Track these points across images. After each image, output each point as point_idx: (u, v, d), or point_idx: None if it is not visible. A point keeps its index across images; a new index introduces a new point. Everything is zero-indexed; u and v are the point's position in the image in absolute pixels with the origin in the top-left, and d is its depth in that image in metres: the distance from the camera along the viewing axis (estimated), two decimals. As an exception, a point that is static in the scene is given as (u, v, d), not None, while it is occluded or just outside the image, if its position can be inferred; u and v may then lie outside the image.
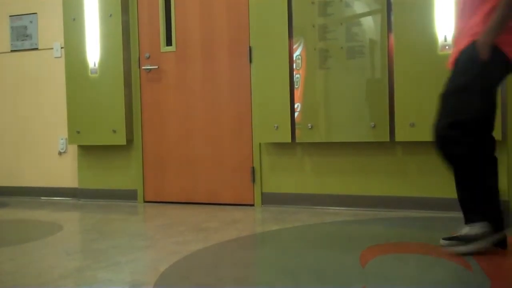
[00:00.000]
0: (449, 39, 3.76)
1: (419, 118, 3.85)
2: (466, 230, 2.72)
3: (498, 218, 2.73)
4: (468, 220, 2.74)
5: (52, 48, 5.29)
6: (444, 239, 2.89)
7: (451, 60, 2.84)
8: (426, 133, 3.82)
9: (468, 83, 2.69)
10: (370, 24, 4.04)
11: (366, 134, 4.02)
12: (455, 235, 2.83)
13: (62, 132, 5.23)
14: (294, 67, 4.25)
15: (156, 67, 4.83)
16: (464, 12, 2.79)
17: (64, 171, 5.30)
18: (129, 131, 4.91)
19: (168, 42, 4.81)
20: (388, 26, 3.96)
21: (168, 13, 4.80)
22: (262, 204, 4.50)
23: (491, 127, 2.82)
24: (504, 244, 2.76)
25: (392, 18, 3.94)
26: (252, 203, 4.53)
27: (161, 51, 4.82)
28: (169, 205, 4.73)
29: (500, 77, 2.78)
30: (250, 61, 4.50)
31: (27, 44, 5.41)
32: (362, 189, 4.16)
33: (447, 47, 3.77)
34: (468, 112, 2.68)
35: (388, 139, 3.99)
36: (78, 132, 5.02)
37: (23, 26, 5.41)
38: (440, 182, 3.94)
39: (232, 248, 3.14)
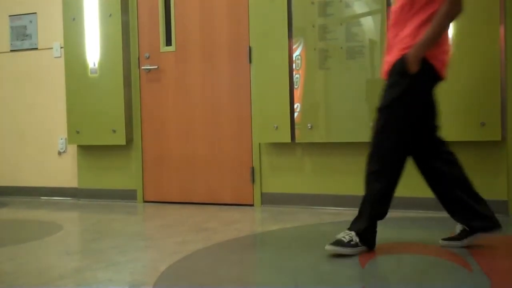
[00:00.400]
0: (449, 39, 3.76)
1: (418, 118, 3.85)
2: (343, 235, 2.83)
3: (372, 238, 2.86)
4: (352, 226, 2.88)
5: (51, 48, 5.29)
6: (444, 239, 2.91)
7: (384, 70, 2.90)
8: (425, 133, 3.83)
9: (399, 96, 2.79)
10: (370, 24, 4.04)
11: (366, 134, 4.00)
12: (452, 235, 2.89)
13: (61, 132, 5.23)
14: (294, 67, 4.25)
15: (156, 67, 4.83)
16: (396, 23, 2.84)
17: (63, 171, 5.30)
18: (128, 131, 4.91)
19: (168, 42, 4.81)
20: (388, 26, 3.96)
21: (168, 13, 4.80)
22: (261, 204, 4.50)
23: (433, 129, 2.98)
24: (498, 225, 2.85)
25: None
26: (251, 203, 4.53)
27: (161, 51, 4.82)
28: (168, 205, 4.72)
29: (429, 89, 2.90)
30: (250, 61, 4.50)
31: (26, 44, 5.41)
32: (362, 189, 4.15)
33: (446, 47, 3.77)
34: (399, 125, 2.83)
35: (387, 139, 3.99)
36: (78, 132, 5.02)
37: (23, 26, 5.41)
38: (440, 182, 3.94)
39: (232, 248, 3.14)
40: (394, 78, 2.81)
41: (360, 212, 2.90)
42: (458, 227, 2.92)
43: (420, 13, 2.76)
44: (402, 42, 2.78)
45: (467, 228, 2.88)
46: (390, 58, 2.84)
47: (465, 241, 2.87)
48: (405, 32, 2.78)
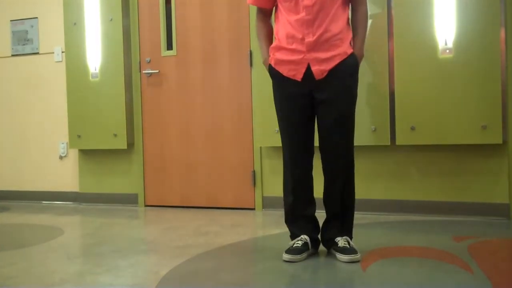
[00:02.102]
0: (450, 42, 3.77)
1: (419, 121, 3.85)
2: (343, 242, 2.83)
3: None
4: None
5: (53, 53, 5.30)
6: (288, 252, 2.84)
7: (323, 68, 2.71)
8: (426, 137, 3.84)
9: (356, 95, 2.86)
10: (370, 27, 4.04)
11: (367, 137, 4.02)
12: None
13: (63, 136, 5.24)
14: (295, 71, 4.23)
15: (157, 71, 4.84)
16: (320, 17, 2.68)
17: (65, 175, 5.30)
18: (130, 135, 4.91)
19: (169, 46, 4.82)
20: (388, 29, 3.97)
21: (169, 17, 4.81)
22: (262, 208, 4.50)
23: None
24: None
25: (393, 21, 3.95)
26: (252, 207, 4.53)
27: (162, 55, 4.83)
28: (169, 209, 4.73)
29: None
30: (251, 65, 4.51)
31: (28, 48, 5.42)
32: (363, 193, 4.15)
33: (447, 50, 3.77)
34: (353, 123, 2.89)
35: (388, 143, 3.99)
36: (79, 136, 5.02)
37: (24, 30, 5.42)
38: (441, 186, 3.94)
39: (233, 252, 3.14)
40: (353, 78, 2.80)
41: (345, 214, 2.90)
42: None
43: (345, 8, 2.77)
44: (342, 38, 2.72)
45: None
46: (328, 56, 2.70)
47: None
48: (337, 27, 2.71)
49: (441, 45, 3.79)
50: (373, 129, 4.00)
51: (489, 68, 3.69)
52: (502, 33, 3.71)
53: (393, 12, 3.94)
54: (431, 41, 3.82)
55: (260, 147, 4.49)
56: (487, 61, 3.69)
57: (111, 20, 4.88)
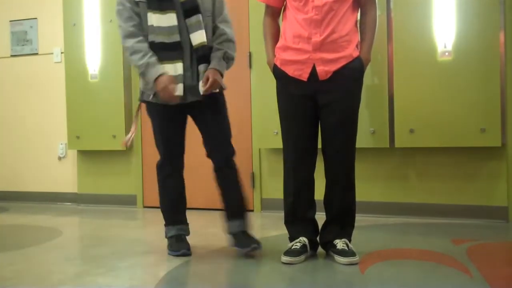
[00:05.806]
0: (449, 45, 3.77)
1: (418, 124, 3.86)
2: (342, 244, 2.82)
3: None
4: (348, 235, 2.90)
5: (52, 53, 5.30)
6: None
7: (328, 68, 2.70)
8: (425, 139, 3.84)
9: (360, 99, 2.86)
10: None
11: (366, 140, 4.02)
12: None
13: (61, 137, 5.23)
14: (294, 72, 4.24)
15: (156, 72, 4.83)
16: (328, 19, 2.67)
17: (63, 176, 5.30)
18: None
19: (168, 48, 4.81)
20: (388, 32, 3.97)
21: (168, 19, 4.80)
22: (261, 210, 4.50)
23: None
24: None
25: (392, 24, 3.95)
26: (251, 208, 4.53)
27: (161, 56, 4.82)
28: (168, 211, 4.71)
29: None
30: (250, 66, 4.51)
31: (27, 49, 5.42)
32: (362, 195, 4.13)
33: (446, 53, 3.78)
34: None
35: (387, 145, 3.99)
36: (78, 137, 5.02)
37: (23, 31, 5.42)
38: (440, 188, 3.94)
39: (232, 253, 3.13)
40: (358, 82, 2.80)
41: (345, 218, 2.89)
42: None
43: (354, 11, 2.76)
44: (348, 40, 2.70)
45: None
46: (334, 57, 2.68)
47: None
48: (345, 29, 2.69)
49: (440, 48, 3.80)
50: (372, 131, 4.01)
51: (488, 71, 3.69)
52: (501, 36, 3.71)
53: (392, 14, 3.95)
54: (430, 44, 3.82)
55: (259, 149, 4.49)
56: (486, 64, 3.70)
57: (111, 21, 4.88)
